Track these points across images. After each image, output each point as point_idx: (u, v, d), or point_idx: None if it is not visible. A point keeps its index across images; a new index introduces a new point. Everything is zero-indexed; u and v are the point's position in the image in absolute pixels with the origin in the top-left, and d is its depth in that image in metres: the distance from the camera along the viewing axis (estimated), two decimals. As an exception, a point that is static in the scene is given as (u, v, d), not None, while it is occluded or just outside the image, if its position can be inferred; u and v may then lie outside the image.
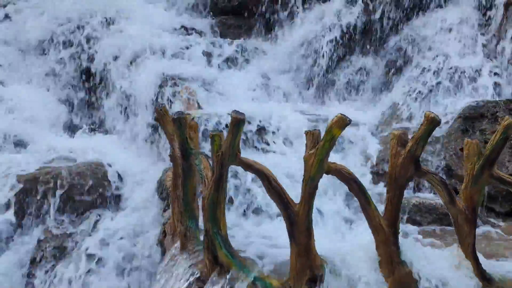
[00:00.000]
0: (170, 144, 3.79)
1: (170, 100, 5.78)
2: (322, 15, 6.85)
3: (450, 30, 6.22)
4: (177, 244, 3.61)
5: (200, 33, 7.09)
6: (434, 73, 5.92)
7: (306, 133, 3.04)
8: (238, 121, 2.97)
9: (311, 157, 2.99)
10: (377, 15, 6.61)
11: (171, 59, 6.52)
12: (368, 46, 6.58)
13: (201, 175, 3.21)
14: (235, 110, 2.98)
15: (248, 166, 3.10)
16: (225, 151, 3.04)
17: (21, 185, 5.01)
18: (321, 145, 2.98)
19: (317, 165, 2.99)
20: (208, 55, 6.80)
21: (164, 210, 4.59)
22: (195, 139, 3.52)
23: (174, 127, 3.37)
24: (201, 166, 3.24)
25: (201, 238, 3.38)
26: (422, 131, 3.08)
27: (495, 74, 5.83)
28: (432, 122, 3.06)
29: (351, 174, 3.11)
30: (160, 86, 5.96)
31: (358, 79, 6.53)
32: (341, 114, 2.95)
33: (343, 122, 2.94)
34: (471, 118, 5.25)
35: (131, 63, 6.40)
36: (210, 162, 3.31)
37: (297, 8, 7.04)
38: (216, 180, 3.09)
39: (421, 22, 6.37)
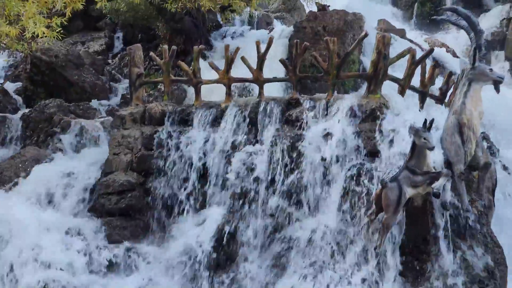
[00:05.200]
0: None
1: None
2: (205, 218, 7.08)
3: (322, 235, 6.57)
4: None
5: (85, 236, 7.03)
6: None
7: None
8: None
9: None
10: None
11: (52, 268, 6.49)
12: (249, 250, 6.79)
13: None
14: None
15: None
16: None
17: None
18: None
19: None
20: (92, 260, 6.81)
21: None
22: None
23: None
24: None
25: None
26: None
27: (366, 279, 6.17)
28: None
29: None
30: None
31: (243, 282, 6.67)
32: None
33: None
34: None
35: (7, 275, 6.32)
36: None
37: (182, 211, 7.24)
38: None
39: (295, 229, 6.72)
